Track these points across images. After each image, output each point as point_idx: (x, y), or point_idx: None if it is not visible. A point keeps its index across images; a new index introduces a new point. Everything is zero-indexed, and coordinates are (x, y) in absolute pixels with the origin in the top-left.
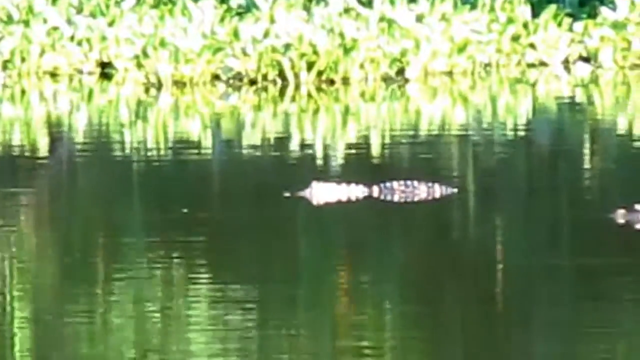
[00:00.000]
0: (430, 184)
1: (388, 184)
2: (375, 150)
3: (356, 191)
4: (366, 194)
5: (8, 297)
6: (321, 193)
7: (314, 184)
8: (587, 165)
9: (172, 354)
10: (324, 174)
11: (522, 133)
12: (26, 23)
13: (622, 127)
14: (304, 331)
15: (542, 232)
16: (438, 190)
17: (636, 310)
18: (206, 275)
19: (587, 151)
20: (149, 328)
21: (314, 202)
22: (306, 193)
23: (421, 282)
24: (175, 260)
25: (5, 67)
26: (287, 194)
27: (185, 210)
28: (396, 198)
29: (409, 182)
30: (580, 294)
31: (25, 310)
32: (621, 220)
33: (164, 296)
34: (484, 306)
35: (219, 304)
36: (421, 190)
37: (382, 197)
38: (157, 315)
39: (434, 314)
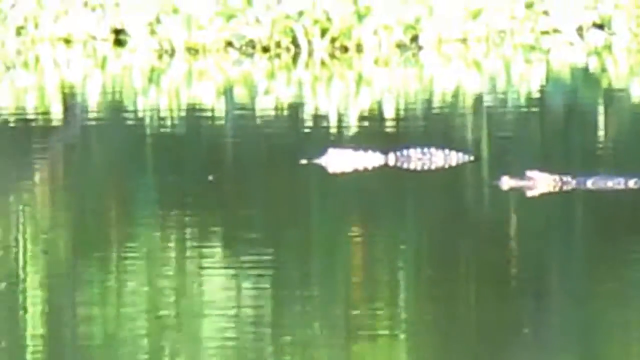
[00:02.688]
0: (446, 151)
1: (405, 152)
2: (390, 117)
3: (372, 158)
4: (382, 161)
5: (22, 262)
6: (337, 160)
7: (331, 150)
8: (598, 132)
9: (185, 320)
10: (339, 141)
11: (535, 100)
12: None
13: (635, 94)
14: (317, 298)
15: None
16: (454, 158)
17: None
18: (223, 242)
19: (599, 118)
20: (164, 293)
21: (330, 169)
22: (322, 160)
23: (436, 250)
24: (193, 227)
25: (19, 34)
26: (303, 161)
27: (210, 178)
28: (413, 165)
29: (425, 150)
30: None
31: (41, 275)
32: (505, 187)
33: (180, 261)
34: (496, 273)
35: (233, 270)
36: (438, 158)
37: (398, 164)
38: (173, 279)
39: (448, 280)
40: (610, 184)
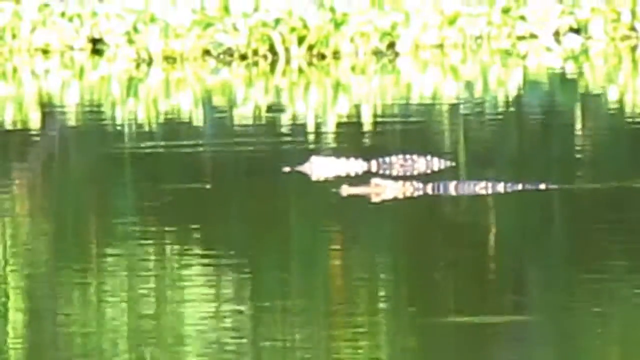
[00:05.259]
0: (428, 158)
1: (387, 159)
2: (369, 124)
3: (355, 166)
4: (365, 168)
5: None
6: (320, 168)
7: (313, 158)
8: (574, 138)
9: (165, 328)
10: (320, 149)
11: (512, 105)
12: (17, 0)
13: (612, 99)
14: (296, 305)
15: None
16: (436, 164)
17: None
18: (205, 251)
19: (576, 123)
20: (144, 300)
21: (313, 177)
22: (305, 168)
23: (416, 257)
24: (175, 236)
25: None
26: (286, 169)
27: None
28: (395, 172)
29: (407, 156)
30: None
31: (21, 284)
32: (344, 194)
33: (158, 270)
34: (473, 283)
35: (212, 279)
36: (420, 164)
37: (380, 171)
38: (151, 288)
39: (425, 284)
40: (476, 188)
